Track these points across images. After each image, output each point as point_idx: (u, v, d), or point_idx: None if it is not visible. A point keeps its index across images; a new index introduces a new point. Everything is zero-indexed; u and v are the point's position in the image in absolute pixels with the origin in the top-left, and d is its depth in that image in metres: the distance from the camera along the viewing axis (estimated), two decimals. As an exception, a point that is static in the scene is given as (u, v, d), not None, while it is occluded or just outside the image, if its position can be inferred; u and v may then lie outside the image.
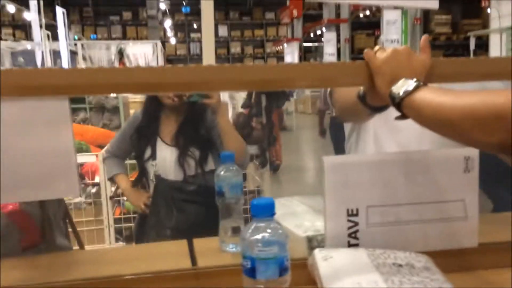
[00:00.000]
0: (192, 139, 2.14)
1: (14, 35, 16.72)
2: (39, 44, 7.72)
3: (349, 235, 1.09)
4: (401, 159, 1.12)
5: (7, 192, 1.01)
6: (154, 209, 2.17)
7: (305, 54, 16.84)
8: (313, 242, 1.15)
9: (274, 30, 19.62)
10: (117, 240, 3.38)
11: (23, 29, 16.48)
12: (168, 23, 17.78)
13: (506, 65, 1.08)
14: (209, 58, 2.29)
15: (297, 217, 1.28)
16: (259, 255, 0.84)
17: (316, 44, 17.48)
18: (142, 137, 2.23)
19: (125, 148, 2.35)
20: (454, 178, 1.12)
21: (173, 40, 19.23)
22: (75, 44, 9.90)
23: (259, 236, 0.85)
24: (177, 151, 2.14)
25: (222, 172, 1.31)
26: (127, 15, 18.93)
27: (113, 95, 5.00)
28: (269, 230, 0.85)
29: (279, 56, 18.53)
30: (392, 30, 7.27)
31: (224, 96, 2.32)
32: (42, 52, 7.69)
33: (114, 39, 17.14)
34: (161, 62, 9.83)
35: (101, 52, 9.69)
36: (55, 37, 8.41)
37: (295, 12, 13.42)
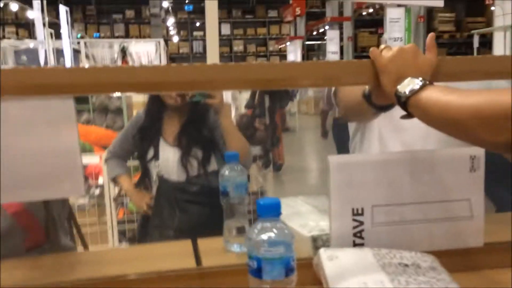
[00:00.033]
0: (194, 140, 2.13)
1: (17, 34, 16.74)
2: (42, 42, 7.72)
3: (354, 235, 1.08)
4: (406, 158, 1.11)
5: (12, 192, 1.01)
6: (157, 210, 2.16)
7: (308, 52, 16.81)
8: (318, 242, 1.15)
9: (277, 28, 19.58)
10: (120, 241, 3.37)
11: (26, 28, 16.48)
12: (170, 21, 17.78)
13: (513, 64, 1.08)
14: (213, 57, 2.28)
15: (302, 217, 1.28)
16: (265, 255, 0.83)
17: (319, 42, 17.45)
18: (144, 138, 2.22)
19: (128, 148, 2.34)
20: (459, 178, 1.11)
21: (175, 38, 19.22)
22: (78, 43, 9.89)
23: (265, 236, 0.84)
24: (179, 151, 2.13)
25: (227, 172, 1.31)
26: (130, 13, 18.92)
27: (116, 95, 5.00)
28: (275, 230, 0.84)
29: (282, 54, 18.48)
30: (396, 28, 7.26)
31: (227, 97, 2.31)
32: (45, 51, 7.69)
33: (117, 37, 17.13)
34: (164, 60, 9.81)
35: (104, 51, 9.68)
36: (58, 36, 8.40)
37: (298, 10, 13.40)
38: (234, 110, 5.02)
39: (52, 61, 7.86)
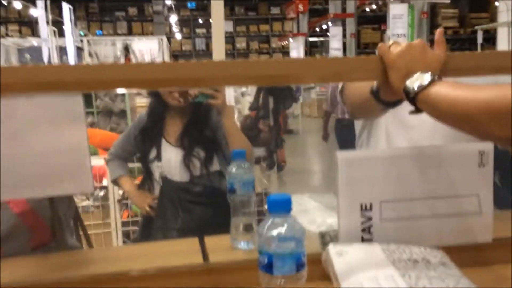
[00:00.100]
0: (197, 140, 2.12)
1: (20, 32, 16.77)
2: (45, 40, 7.74)
3: (363, 230, 1.08)
4: (414, 153, 1.11)
5: (22, 188, 1.01)
6: (160, 211, 2.15)
7: (310, 49, 16.81)
8: (326, 238, 1.15)
9: (279, 25, 19.57)
10: (124, 243, 3.37)
11: (30, 26, 16.53)
12: (173, 18, 17.77)
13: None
14: (219, 53, 2.28)
15: (309, 213, 1.28)
16: (276, 251, 0.84)
17: (321, 39, 17.44)
18: (147, 138, 2.20)
19: (129, 149, 2.32)
20: (468, 173, 1.11)
21: (178, 36, 19.23)
22: (81, 41, 9.90)
23: (276, 232, 0.84)
24: (182, 152, 2.12)
25: (234, 169, 1.31)
26: (132, 11, 18.94)
27: (120, 98, 5.03)
28: (286, 226, 0.85)
29: (285, 51, 18.49)
30: (399, 24, 7.22)
31: (230, 99, 2.30)
32: (49, 49, 7.70)
33: (120, 35, 17.14)
34: (166, 58, 9.82)
35: (107, 48, 9.68)
36: (61, 34, 8.42)
37: (300, 7, 13.40)
38: (236, 113, 5.02)
39: (55, 59, 7.88)
